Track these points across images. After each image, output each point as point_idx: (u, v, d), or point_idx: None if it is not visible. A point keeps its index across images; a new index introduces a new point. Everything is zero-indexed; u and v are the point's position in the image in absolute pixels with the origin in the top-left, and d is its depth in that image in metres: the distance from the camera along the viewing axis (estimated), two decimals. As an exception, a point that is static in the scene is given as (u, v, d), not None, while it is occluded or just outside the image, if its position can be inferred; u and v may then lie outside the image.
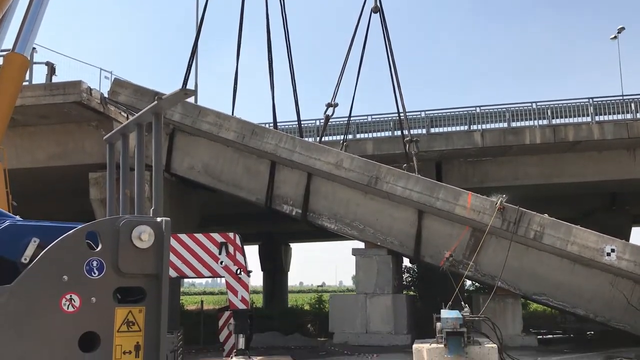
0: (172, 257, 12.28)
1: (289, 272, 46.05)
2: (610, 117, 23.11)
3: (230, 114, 18.28)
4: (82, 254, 2.64)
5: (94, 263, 2.64)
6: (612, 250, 14.42)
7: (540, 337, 18.38)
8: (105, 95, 18.04)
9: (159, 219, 2.81)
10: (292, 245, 47.13)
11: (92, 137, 18.18)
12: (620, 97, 23.82)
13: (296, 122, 21.12)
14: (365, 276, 17.63)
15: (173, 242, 12.36)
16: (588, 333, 20.11)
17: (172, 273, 12.29)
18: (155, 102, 2.88)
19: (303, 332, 20.72)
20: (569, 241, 14.75)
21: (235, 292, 12.27)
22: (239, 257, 12.44)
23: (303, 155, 16.93)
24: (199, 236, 12.51)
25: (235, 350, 12.19)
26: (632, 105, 22.99)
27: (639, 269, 14.37)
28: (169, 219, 2.79)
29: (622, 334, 15.82)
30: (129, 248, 2.69)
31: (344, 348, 16.04)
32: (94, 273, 2.64)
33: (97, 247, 2.69)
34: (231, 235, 12.51)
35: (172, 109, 17.44)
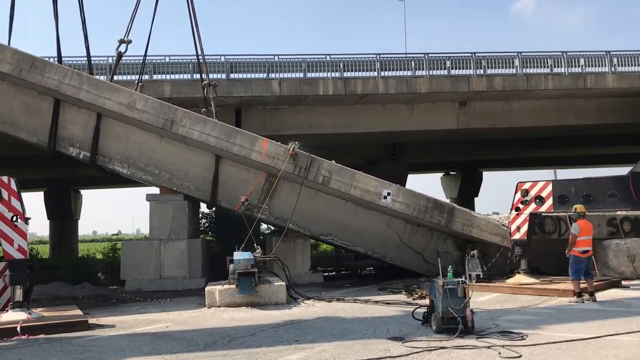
0: None
1: (79, 220, 43.36)
2: (394, 73, 25.17)
3: (6, 44, 16.18)
4: None
5: None
6: (388, 194, 15.98)
7: (326, 274, 19.92)
8: None
9: None
10: (83, 191, 44.27)
11: None
12: (404, 55, 26.01)
13: (85, 58, 19.43)
14: (160, 222, 17.31)
15: None
16: (368, 269, 22.28)
17: None
18: None
19: (93, 281, 19.79)
20: (352, 185, 15.98)
21: (10, 241, 11.25)
22: (14, 202, 11.37)
23: (91, 94, 15.75)
24: (-35, 180, 11.11)
25: (11, 303, 11.27)
26: (413, 63, 25.27)
27: (409, 210, 16.14)
28: None
29: (395, 268, 17.82)
30: None
31: (137, 295, 15.73)
32: None
33: None
34: (5, 179, 11.34)
35: None
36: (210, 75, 20.08)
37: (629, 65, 26.98)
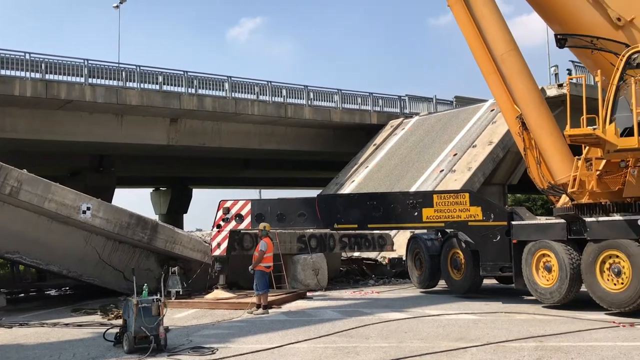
0: None
1: None
2: (104, 82, 24.11)
3: None
4: None
5: None
6: (88, 209, 15.07)
7: (12, 296, 17.83)
8: None
9: None
10: None
11: None
12: (115, 64, 25.10)
13: None
14: None
15: None
16: (63, 289, 20.60)
17: None
18: None
19: None
20: (47, 198, 14.64)
21: None
22: None
23: None
24: None
25: None
26: (124, 73, 24.55)
27: (110, 226, 15.47)
28: None
29: (95, 288, 16.84)
30: None
31: None
32: None
33: None
34: None
35: None
36: None
37: (322, 100, 30.62)
